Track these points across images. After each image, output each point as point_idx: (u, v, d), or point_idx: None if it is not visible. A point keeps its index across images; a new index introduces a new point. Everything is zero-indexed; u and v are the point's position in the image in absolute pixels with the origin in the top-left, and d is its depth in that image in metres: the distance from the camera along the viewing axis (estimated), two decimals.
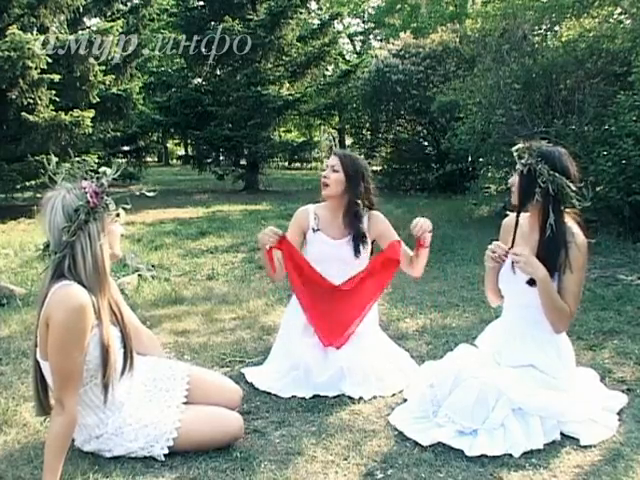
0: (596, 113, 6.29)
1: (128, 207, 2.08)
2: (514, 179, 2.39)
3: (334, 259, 2.88)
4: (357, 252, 2.86)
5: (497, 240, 2.49)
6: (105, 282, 1.99)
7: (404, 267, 2.83)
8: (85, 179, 1.99)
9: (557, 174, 2.25)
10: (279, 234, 2.75)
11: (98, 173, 2.00)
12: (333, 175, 2.83)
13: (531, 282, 2.31)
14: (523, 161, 2.31)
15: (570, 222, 2.34)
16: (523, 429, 2.20)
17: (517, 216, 2.40)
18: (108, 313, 2.04)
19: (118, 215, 2.05)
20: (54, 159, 2.05)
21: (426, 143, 13.03)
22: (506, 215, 2.55)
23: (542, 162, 2.27)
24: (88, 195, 1.94)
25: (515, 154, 2.37)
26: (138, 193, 2.37)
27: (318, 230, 2.92)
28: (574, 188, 2.27)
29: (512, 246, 2.36)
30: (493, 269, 2.48)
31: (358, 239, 2.87)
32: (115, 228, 2.08)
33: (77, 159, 2.05)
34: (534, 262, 2.26)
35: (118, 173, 2.03)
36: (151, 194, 2.39)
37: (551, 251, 2.30)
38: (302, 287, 2.83)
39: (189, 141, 15.56)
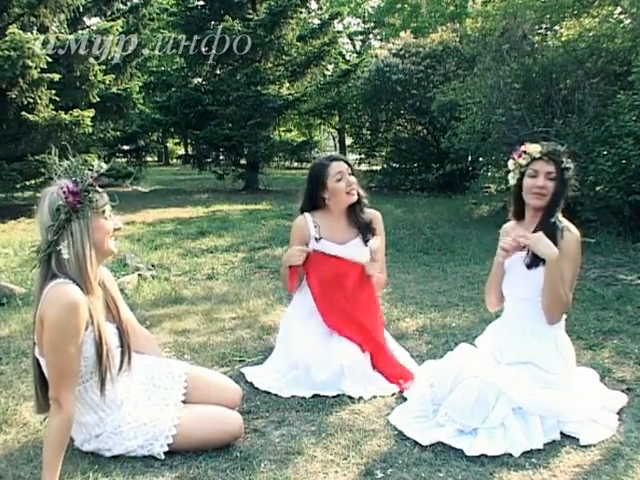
0: (596, 113, 6.28)
1: (115, 203, 2.06)
2: (546, 182, 2.34)
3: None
4: (366, 241, 2.91)
5: (497, 240, 2.51)
6: (89, 280, 1.96)
7: None
8: (70, 177, 1.97)
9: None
10: (307, 251, 2.86)
11: (91, 169, 1.99)
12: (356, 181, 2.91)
13: (530, 265, 2.34)
14: (567, 165, 2.35)
15: (560, 217, 2.39)
16: (523, 428, 2.20)
17: (548, 218, 2.37)
18: (102, 310, 2.03)
19: (104, 212, 2.01)
20: (55, 157, 2.04)
21: (426, 143, 13.04)
22: (507, 220, 2.57)
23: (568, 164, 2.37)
24: (64, 195, 1.93)
25: (538, 155, 2.35)
26: (131, 189, 2.35)
27: (321, 238, 2.92)
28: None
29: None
30: (500, 265, 2.49)
31: (365, 228, 2.93)
32: (105, 224, 2.02)
33: (77, 158, 2.04)
34: (546, 241, 2.29)
35: (102, 171, 2.00)
36: (146, 190, 2.35)
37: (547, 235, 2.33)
38: (322, 296, 2.88)
39: (189, 141, 15.55)
